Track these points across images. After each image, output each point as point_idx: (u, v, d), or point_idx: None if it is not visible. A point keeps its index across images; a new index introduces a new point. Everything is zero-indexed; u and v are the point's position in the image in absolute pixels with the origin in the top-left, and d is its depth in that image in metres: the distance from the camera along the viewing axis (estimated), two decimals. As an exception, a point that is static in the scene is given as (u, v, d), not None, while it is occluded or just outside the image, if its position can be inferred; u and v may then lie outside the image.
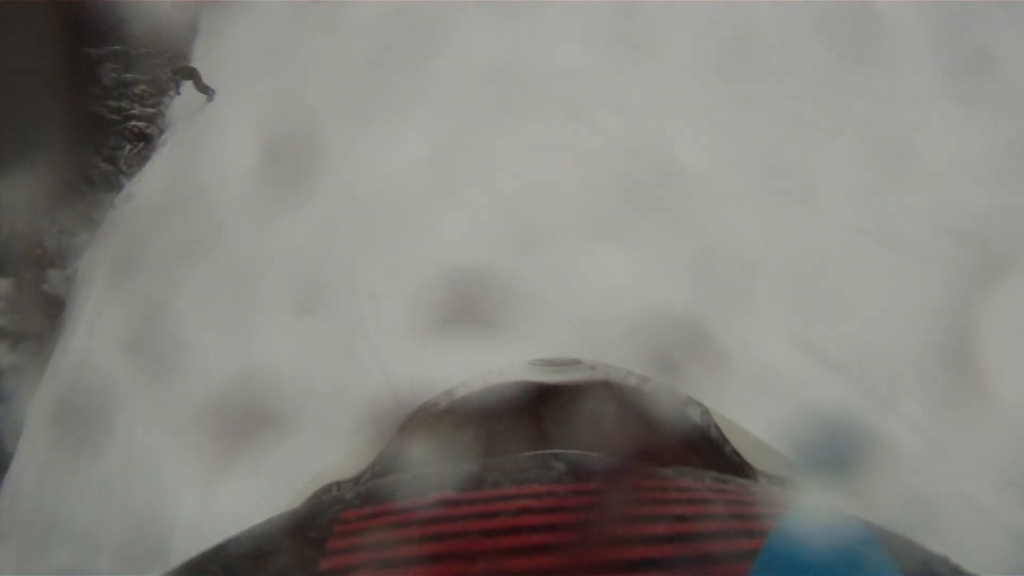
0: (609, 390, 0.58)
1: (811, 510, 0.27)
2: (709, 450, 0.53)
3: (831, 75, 3.20)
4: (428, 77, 4.94)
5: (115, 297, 5.30)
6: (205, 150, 6.10)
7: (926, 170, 2.57)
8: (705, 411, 0.58)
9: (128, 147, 7.48)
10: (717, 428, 0.55)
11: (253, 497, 2.13)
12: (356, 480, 0.52)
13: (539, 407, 0.56)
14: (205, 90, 7.50)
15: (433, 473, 0.35)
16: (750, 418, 0.66)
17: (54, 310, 5.75)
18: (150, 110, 7.93)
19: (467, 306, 2.78)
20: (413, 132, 4.39)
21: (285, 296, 3.73)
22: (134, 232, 5.90)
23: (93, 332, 5.35)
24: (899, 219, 2.52)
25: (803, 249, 2.54)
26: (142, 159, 7.40)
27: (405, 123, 4.50)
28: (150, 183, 6.67)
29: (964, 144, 2.61)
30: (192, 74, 7.54)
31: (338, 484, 0.53)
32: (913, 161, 2.59)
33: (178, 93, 7.75)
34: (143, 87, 8.06)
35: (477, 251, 3.14)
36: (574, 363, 0.66)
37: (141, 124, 7.75)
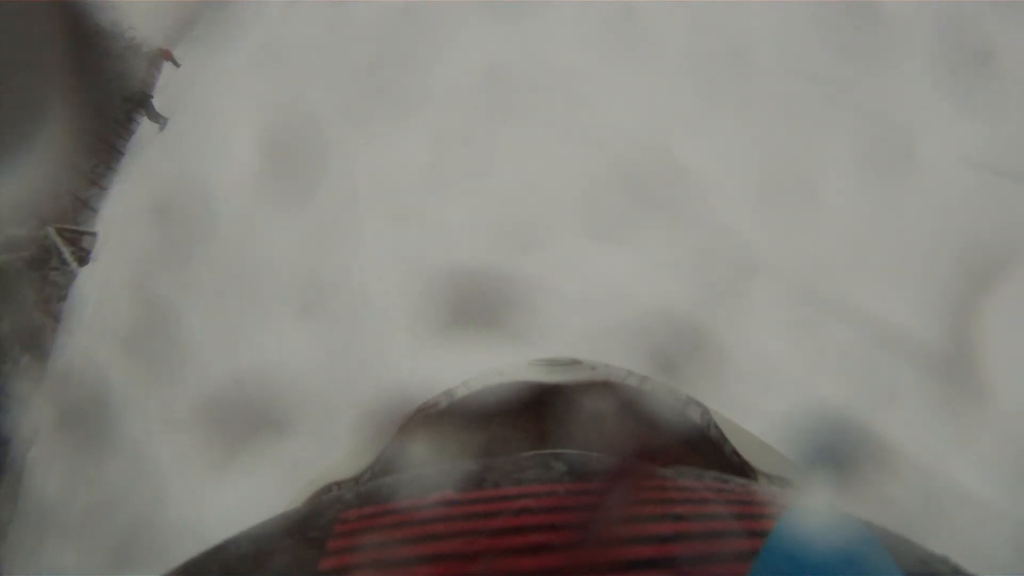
0: (609, 390, 0.58)
1: (811, 510, 0.27)
2: (709, 450, 0.53)
3: (831, 75, 3.20)
4: (428, 77, 4.94)
5: (116, 297, 5.30)
6: (206, 150, 6.10)
7: (925, 170, 2.57)
8: (705, 411, 0.57)
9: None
10: (717, 428, 0.55)
11: (253, 497, 2.13)
12: (356, 480, 0.52)
13: (539, 407, 0.56)
14: (157, 119, 7.08)
15: (433, 473, 0.35)
16: (750, 418, 0.66)
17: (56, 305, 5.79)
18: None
19: (467, 306, 2.77)
20: (413, 132, 4.39)
21: (285, 296, 3.73)
22: (134, 233, 5.90)
23: (94, 332, 5.34)
24: (899, 219, 2.52)
25: (803, 249, 2.54)
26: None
27: (405, 123, 4.50)
28: (150, 183, 6.67)
29: (964, 144, 2.61)
30: (144, 101, 7.08)
31: (338, 484, 0.53)
32: (913, 160, 2.59)
33: (131, 121, 7.27)
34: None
35: (477, 251, 3.14)
36: (574, 363, 0.66)
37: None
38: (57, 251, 5.73)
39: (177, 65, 8.11)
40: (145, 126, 7.42)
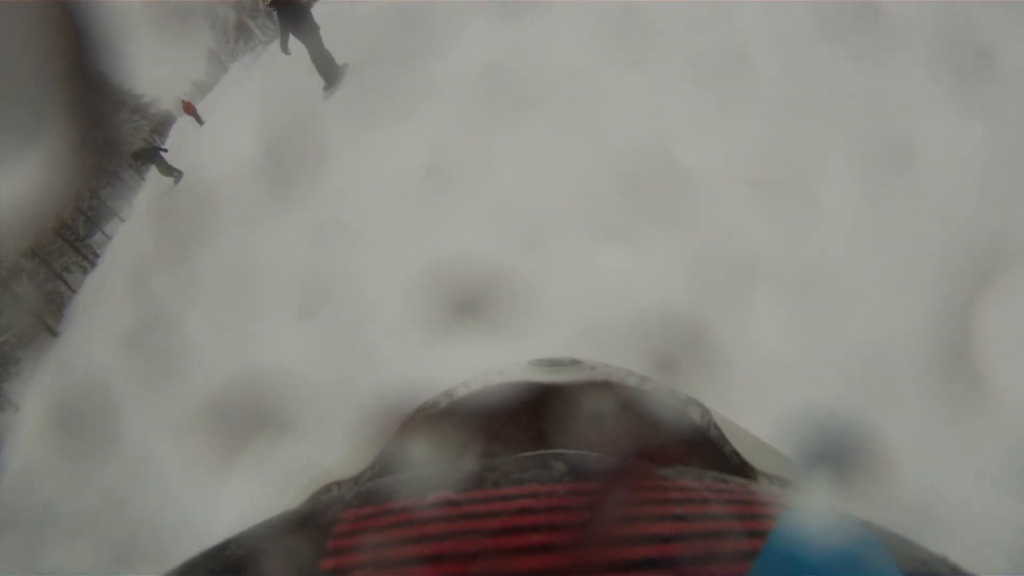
0: (609, 390, 0.58)
1: (811, 510, 0.27)
2: (709, 450, 0.53)
3: (831, 75, 3.20)
4: (428, 77, 4.94)
5: (116, 297, 5.30)
6: (206, 151, 6.10)
7: (926, 170, 2.57)
8: (705, 411, 0.57)
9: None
10: (717, 428, 0.55)
11: (253, 497, 2.14)
12: (356, 480, 0.52)
13: (539, 407, 0.55)
14: (171, 173, 6.88)
15: (433, 473, 0.35)
16: (750, 418, 0.66)
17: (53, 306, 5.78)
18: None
19: (467, 306, 2.78)
20: (413, 132, 4.39)
21: (285, 297, 3.73)
22: (134, 233, 5.89)
23: (94, 333, 5.34)
24: (899, 219, 2.52)
25: (803, 249, 2.54)
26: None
27: (405, 123, 4.50)
28: (150, 185, 6.66)
29: (964, 144, 2.61)
30: (154, 156, 6.85)
31: (338, 484, 0.53)
32: (913, 161, 2.59)
33: (140, 177, 7.08)
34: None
35: (477, 251, 3.14)
36: (574, 363, 0.66)
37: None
38: None
39: (201, 122, 7.96)
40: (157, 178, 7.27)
